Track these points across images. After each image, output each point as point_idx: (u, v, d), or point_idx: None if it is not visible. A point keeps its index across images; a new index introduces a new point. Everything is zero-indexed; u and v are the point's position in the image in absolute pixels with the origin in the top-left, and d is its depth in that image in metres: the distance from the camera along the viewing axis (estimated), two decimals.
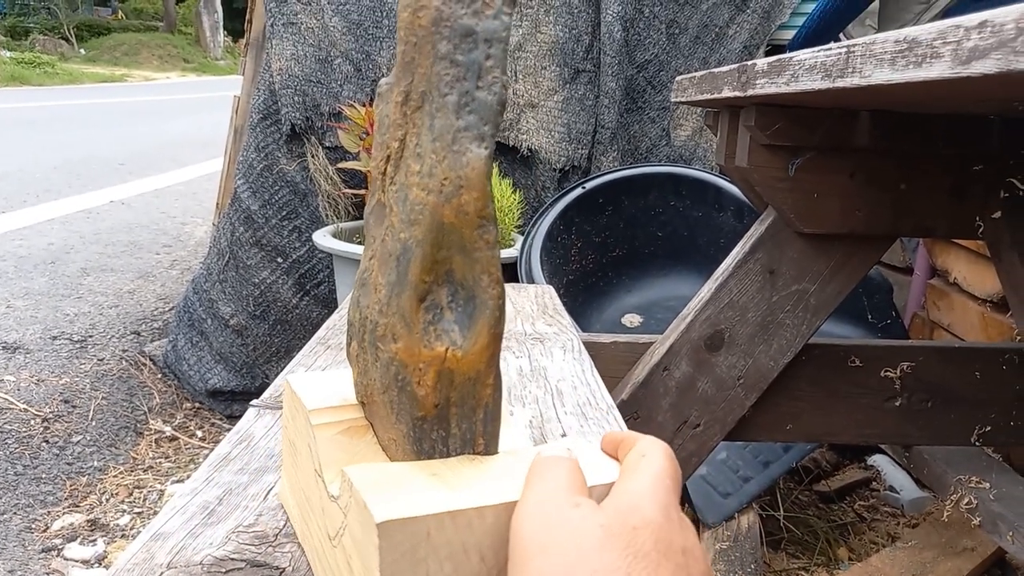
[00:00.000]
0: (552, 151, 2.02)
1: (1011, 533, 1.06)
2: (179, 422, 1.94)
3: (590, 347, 0.91)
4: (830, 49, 0.64)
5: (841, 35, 1.97)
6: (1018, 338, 1.29)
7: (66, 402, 1.84)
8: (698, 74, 1.06)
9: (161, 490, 1.63)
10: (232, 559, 0.42)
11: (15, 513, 1.49)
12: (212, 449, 1.66)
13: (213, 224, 2.47)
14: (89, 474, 1.65)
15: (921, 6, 1.82)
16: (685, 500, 1.39)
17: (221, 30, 19.16)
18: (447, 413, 0.39)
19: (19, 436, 1.68)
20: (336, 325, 0.89)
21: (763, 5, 2.19)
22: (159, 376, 2.09)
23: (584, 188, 1.81)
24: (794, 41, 2.00)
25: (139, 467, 1.72)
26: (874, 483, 1.68)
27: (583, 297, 1.81)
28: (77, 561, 1.38)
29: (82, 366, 2.01)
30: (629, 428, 0.59)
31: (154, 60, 17.07)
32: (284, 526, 0.46)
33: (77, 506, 1.56)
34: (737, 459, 1.46)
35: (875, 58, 0.56)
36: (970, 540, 1.37)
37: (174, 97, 11.12)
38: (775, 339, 1.03)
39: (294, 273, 1.99)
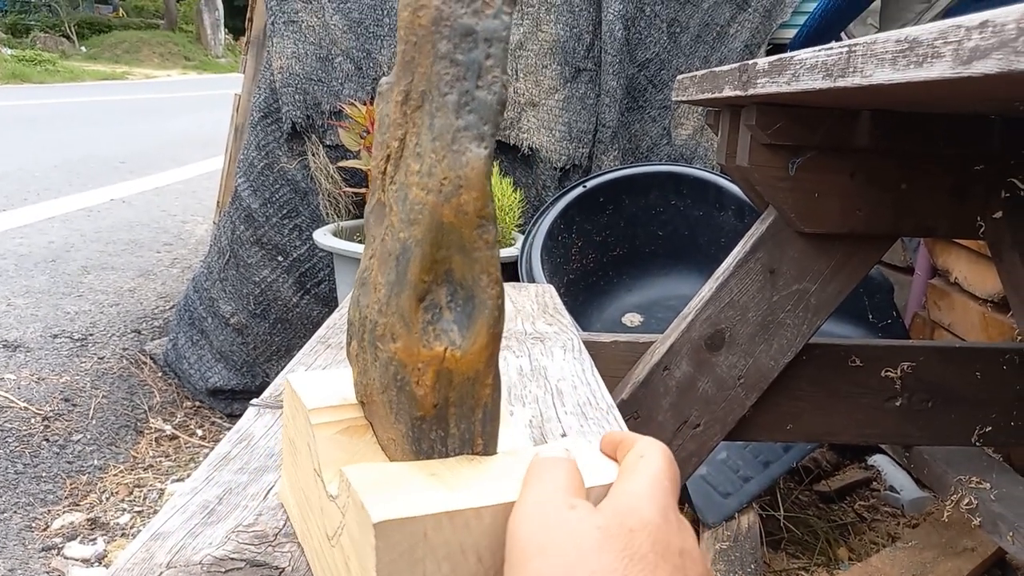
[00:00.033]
0: (553, 150, 2.02)
1: (1011, 533, 1.06)
2: (179, 421, 1.94)
3: (590, 346, 0.91)
4: (831, 49, 0.64)
5: (842, 34, 1.97)
6: (1019, 338, 1.29)
7: (66, 400, 1.84)
8: (699, 73, 1.06)
9: (161, 489, 1.64)
10: (232, 559, 0.42)
11: (15, 512, 1.49)
12: (212, 448, 1.66)
13: (214, 222, 2.47)
14: (89, 473, 1.65)
15: (922, 5, 1.82)
16: (685, 500, 1.39)
17: (222, 28, 19.16)
18: (446, 413, 0.38)
19: (19, 434, 1.68)
20: (336, 324, 0.89)
21: (764, 4, 2.19)
22: (159, 375, 2.09)
23: (585, 187, 1.81)
24: (795, 40, 1.99)
25: (139, 466, 1.72)
26: (874, 483, 1.68)
27: (584, 296, 1.81)
28: (77, 560, 1.38)
29: (82, 364, 2.01)
30: (629, 428, 0.59)
31: (155, 58, 17.08)
32: (284, 526, 0.46)
33: (77, 505, 1.56)
34: (737, 459, 1.46)
35: (876, 58, 0.56)
36: (970, 540, 1.37)
37: (175, 95, 11.12)
38: (776, 339, 1.03)
39: (295, 272, 1.99)
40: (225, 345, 2.02)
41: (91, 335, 2.17)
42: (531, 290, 1.13)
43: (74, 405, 1.83)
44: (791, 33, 2.13)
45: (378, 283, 0.38)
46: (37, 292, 2.45)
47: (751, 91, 0.83)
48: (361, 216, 1.97)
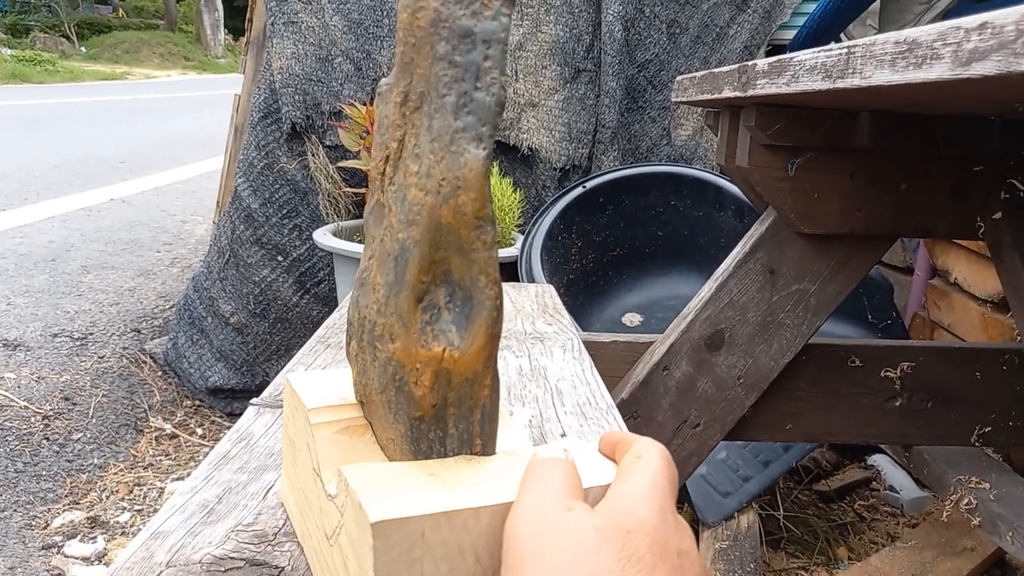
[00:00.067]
0: (553, 150, 2.02)
1: (1011, 533, 1.06)
2: (179, 420, 1.94)
3: (590, 346, 0.91)
4: (831, 50, 0.64)
5: (842, 35, 1.97)
6: (1019, 339, 1.29)
7: (66, 399, 1.84)
8: (699, 74, 1.06)
9: (161, 488, 1.64)
10: (231, 558, 0.42)
11: (15, 510, 1.49)
12: (212, 447, 1.67)
13: (213, 222, 2.47)
14: (89, 471, 1.66)
15: (922, 7, 1.82)
16: (685, 499, 1.39)
17: (222, 28, 19.16)
18: (444, 413, 0.39)
19: (19, 433, 1.68)
20: (336, 324, 0.89)
21: (764, 5, 2.19)
22: (159, 374, 2.09)
23: (585, 187, 1.81)
24: (795, 41, 2.00)
25: (139, 465, 1.73)
26: (874, 483, 1.68)
27: (583, 296, 1.81)
28: (77, 558, 1.39)
29: (82, 364, 2.01)
30: (629, 427, 0.59)
31: (155, 58, 17.07)
32: (283, 525, 0.46)
33: (77, 503, 1.56)
34: (737, 459, 1.46)
35: (875, 59, 0.56)
36: (970, 540, 1.37)
37: (175, 95, 11.12)
38: (775, 339, 1.03)
39: (294, 271, 2.00)
40: (225, 344, 2.03)
41: (91, 334, 2.17)
42: (531, 290, 1.14)
43: (74, 404, 1.83)
44: (791, 34, 2.13)
45: (377, 283, 0.39)
46: (37, 291, 2.45)
47: (751, 92, 0.83)
48: (361, 216, 1.97)
